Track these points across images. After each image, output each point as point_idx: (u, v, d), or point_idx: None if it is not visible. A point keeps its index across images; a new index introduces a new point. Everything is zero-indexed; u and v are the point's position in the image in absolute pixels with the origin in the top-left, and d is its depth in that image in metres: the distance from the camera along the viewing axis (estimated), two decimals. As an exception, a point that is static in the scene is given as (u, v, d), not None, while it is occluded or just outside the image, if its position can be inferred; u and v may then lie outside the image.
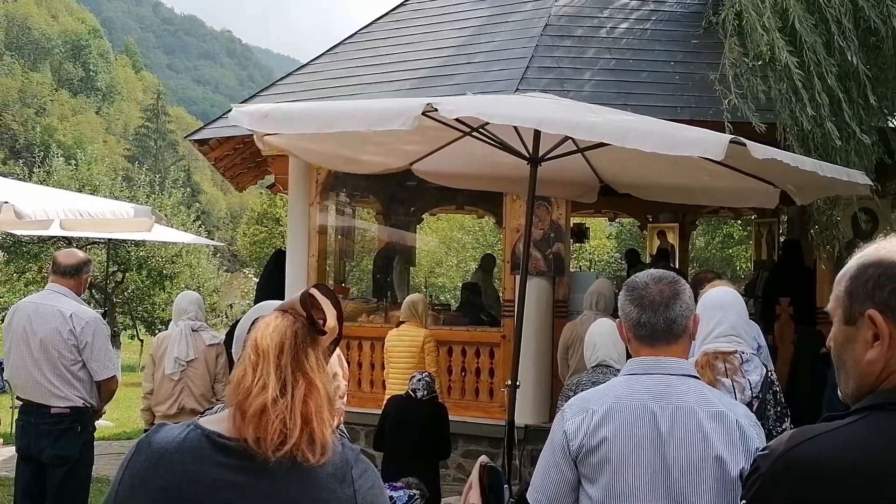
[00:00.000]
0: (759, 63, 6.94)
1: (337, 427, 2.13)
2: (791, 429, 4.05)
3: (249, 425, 1.82)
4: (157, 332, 26.39)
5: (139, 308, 27.29)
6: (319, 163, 8.09)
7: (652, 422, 2.65)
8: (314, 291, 1.95)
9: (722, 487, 2.60)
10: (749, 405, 3.83)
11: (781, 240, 13.18)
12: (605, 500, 2.65)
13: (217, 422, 1.91)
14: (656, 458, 2.63)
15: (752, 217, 15.55)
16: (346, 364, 2.14)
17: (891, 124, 7.08)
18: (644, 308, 2.79)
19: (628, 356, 5.07)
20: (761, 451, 1.80)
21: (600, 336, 5.22)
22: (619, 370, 5.04)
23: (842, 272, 1.84)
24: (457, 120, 5.24)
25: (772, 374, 4.05)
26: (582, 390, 4.95)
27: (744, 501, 1.80)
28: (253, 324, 1.99)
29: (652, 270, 2.91)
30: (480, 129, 5.65)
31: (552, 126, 4.84)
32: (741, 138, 4.38)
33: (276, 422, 1.81)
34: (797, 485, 1.67)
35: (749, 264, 24.32)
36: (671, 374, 2.74)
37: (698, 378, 2.81)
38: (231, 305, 35.24)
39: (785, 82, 6.62)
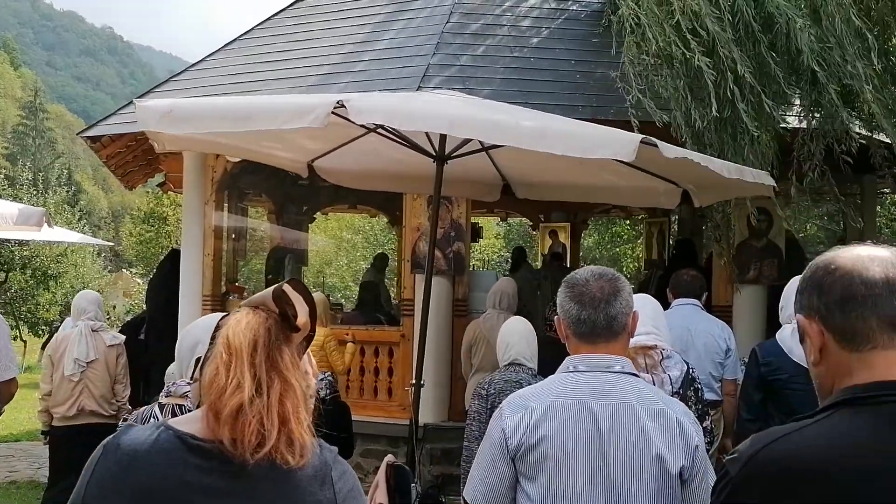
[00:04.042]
0: (657, 61, 7.03)
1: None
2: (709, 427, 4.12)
3: (225, 426, 1.74)
4: (40, 333, 25.77)
5: (22, 309, 26.89)
6: (219, 151, 7.90)
7: (592, 420, 2.62)
8: (286, 287, 1.87)
9: (662, 486, 2.60)
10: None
11: (672, 239, 13.41)
12: (544, 498, 2.62)
13: (188, 422, 1.82)
14: (596, 456, 2.61)
15: (642, 217, 15.81)
16: (314, 362, 2.06)
17: (782, 123, 7.27)
18: (584, 305, 2.74)
19: (541, 354, 5.06)
20: (729, 455, 1.77)
21: (512, 335, 5.22)
22: (531, 368, 5.07)
23: None
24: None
25: (693, 371, 4.08)
26: (495, 388, 4.95)
27: None
28: (216, 331, 1.90)
29: (592, 267, 2.88)
30: (385, 126, 5.58)
31: (462, 130, 4.82)
32: (652, 138, 4.40)
33: (253, 422, 1.73)
34: (770, 486, 1.65)
35: (636, 263, 24.79)
36: (611, 371, 2.71)
37: (638, 376, 2.80)
38: (115, 306, 34.33)
39: (682, 79, 6.72)
